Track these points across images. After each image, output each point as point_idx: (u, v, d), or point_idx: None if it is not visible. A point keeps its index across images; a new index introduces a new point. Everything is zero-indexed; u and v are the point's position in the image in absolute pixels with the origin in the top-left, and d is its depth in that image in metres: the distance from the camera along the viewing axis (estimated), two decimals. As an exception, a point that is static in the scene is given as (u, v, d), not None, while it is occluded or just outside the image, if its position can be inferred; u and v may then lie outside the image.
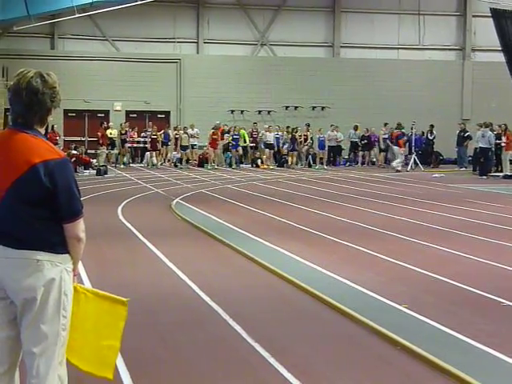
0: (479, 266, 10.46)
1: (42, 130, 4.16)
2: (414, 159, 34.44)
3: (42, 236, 4.01)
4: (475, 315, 7.71)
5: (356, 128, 37.98)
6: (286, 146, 36.35)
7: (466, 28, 41.95)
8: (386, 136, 36.80)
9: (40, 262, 3.98)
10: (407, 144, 35.75)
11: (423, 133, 38.10)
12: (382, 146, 37.29)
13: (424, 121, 37.22)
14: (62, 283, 4.03)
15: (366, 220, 15.33)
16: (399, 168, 32.84)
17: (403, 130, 34.57)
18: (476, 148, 31.14)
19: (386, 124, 37.27)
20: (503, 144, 30.44)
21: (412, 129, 34.98)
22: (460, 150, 35.70)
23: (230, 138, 35.68)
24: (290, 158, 36.06)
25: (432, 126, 37.39)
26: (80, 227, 4.09)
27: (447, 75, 40.79)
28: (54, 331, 4.02)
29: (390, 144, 35.54)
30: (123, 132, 35.91)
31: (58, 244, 4.04)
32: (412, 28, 41.42)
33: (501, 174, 29.99)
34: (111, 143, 35.56)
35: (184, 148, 35.96)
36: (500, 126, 30.91)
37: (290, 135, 36.37)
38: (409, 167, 33.50)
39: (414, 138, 35.05)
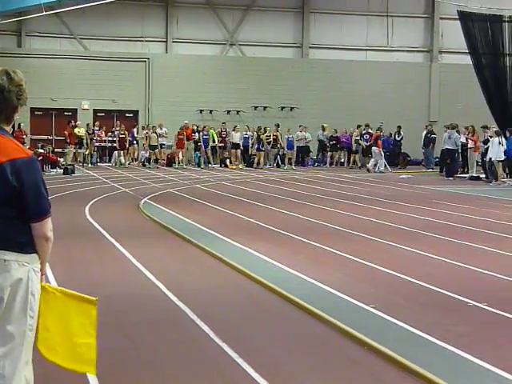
0: (446, 266, 10.52)
1: (9, 129, 4.11)
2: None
3: (9, 235, 3.96)
4: (443, 316, 7.75)
5: (324, 128, 38.13)
6: (256, 147, 36.34)
7: (434, 30, 42.26)
8: (358, 137, 36.97)
9: (7, 262, 3.94)
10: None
11: (391, 134, 38.35)
12: (354, 148, 37.42)
13: (392, 122, 37.46)
14: (30, 283, 4.00)
15: (333, 220, 15.37)
16: (382, 169, 32.96)
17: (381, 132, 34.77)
18: (443, 149, 31.36)
19: (358, 126, 37.38)
20: (470, 146, 30.65)
21: (379, 130, 35.23)
22: (427, 152, 35.97)
23: (200, 137, 35.64)
24: (256, 158, 36.00)
25: (399, 127, 37.63)
26: (48, 226, 4.05)
27: (415, 77, 41.07)
28: (20, 331, 3.98)
29: (365, 145, 35.74)
30: (90, 132, 35.71)
31: (26, 244, 4.00)
32: (380, 30, 41.65)
33: (467, 176, 30.24)
34: (79, 142, 35.33)
35: (153, 147, 35.83)
36: (467, 128, 31.15)
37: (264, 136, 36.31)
38: (376, 168, 33.66)
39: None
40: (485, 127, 29.40)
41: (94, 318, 4.24)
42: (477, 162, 30.79)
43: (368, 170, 32.89)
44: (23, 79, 4.12)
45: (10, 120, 4.11)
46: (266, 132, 36.53)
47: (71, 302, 4.21)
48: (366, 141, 37.29)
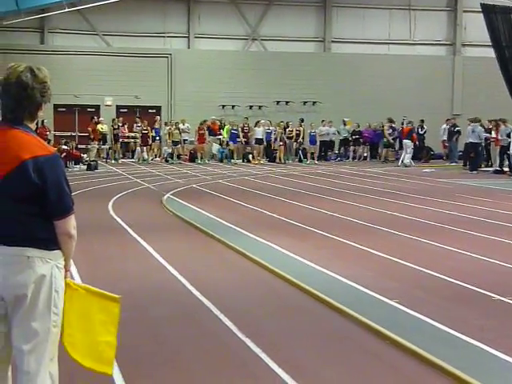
0: (470, 260, 10.47)
1: (33, 126, 4.12)
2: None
3: (33, 232, 3.98)
4: (467, 310, 7.72)
5: (345, 123, 38.02)
6: (277, 142, 36.26)
7: (457, 23, 41.97)
8: (390, 131, 36.86)
9: (31, 259, 3.96)
10: (398, 139, 36.07)
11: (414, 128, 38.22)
12: (391, 141, 37.18)
13: (414, 116, 37.19)
14: (53, 280, 4.01)
15: (356, 215, 15.33)
16: (406, 162, 32.95)
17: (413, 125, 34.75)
18: (466, 143, 31.17)
19: (390, 120, 37.13)
20: (492, 139, 30.46)
21: (403, 124, 35.12)
22: (451, 145, 35.77)
23: (226, 133, 35.74)
24: (278, 153, 35.89)
25: (422, 121, 37.40)
26: (71, 224, 4.06)
27: (438, 70, 40.82)
28: (44, 328, 4.00)
29: (400, 139, 35.69)
30: (115, 127, 35.81)
31: (49, 240, 4.01)
32: (403, 23, 41.43)
33: (491, 169, 30.05)
34: (102, 138, 35.47)
35: (175, 143, 35.88)
36: (490, 122, 30.94)
37: (281, 130, 36.21)
38: (399, 162, 33.58)
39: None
40: (504, 121, 29.20)
41: (117, 316, 4.25)
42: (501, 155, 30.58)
43: (405, 165, 32.91)
44: (48, 76, 4.10)
45: (34, 117, 4.12)
46: (288, 127, 36.47)
47: (94, 299, 4.23)
48: (389, 134, 37.26)
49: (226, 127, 36.51)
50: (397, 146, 37.19)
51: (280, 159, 35.64)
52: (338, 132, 37.93)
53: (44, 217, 3.99)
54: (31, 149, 3.95)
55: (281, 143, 35.73)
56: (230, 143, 35.93)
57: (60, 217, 4.01)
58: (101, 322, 4.22)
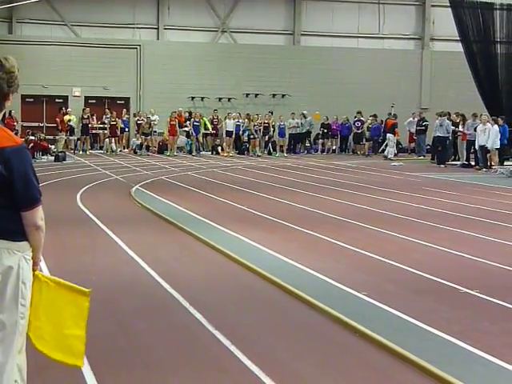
0: (438, 253, 10.55)
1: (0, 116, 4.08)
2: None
3: (0, 224, 3.95)
4: (434, 303, 7.77)
5: (305, 116, 37.87)
6: (246, 134, 36.23)
7: (425, 17, 42.21)
8: (359, 124, 37.17)
9: (-3, 250, 3.92)
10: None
11: (382, 121, 38.43)
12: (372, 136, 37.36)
13: (383, 109, 37.41)
14: (20, 271, 3.98)
15: (325, 207, 15.39)
16: (391, 156, 33.14)
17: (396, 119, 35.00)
18: (434, 137, 31.37)
19: (374, 115, 37.21)
20: (460, 133, 30.67)
21: (394, 117, 35.33)
22: (418, 139, 35.99)
23: (191, 124, 35.60)
24: (250, 146, 35.91)
25: (395, 115, 37.70)
26: (38, 215, 4.02)
27: (406, 64, 41.04)
28: (12, 320, 3.97)
29: (357, 132, 36.01)
30: (85, 117, 35.54)
31: (16, 232, 3.98)
32: (372, 17, 41.57)
33: (458, 163, 30.29)
34: (70, 129, 35.23)
35: (146, 134, 35.69)
36: (458, 115, 31.17)
37: (252, 122, 36.15)
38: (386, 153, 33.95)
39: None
40: (475, 115, 29.45)
41: (86, 309, 4.23)
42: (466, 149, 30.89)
43: (385, 157, 33.13)
44: (15, 66, 4.06)
45: (1, 107, 4.08)
46: (256, 119, 36.49)
47: (63, 293, 4.20)
48: (358, 128, 37.49)
49: (204, 119, 36.35)
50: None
51: (249, 151, 35.64)
52: (302, 124, 37.91)
53: (11, 208, 3.96)
54: (-3, 139, 3.90)
55: (256, 136, 35.57)
56: (193, 135, 35.70)
57: (27, 208, 3.98)
58: (70, 315, 4.19)
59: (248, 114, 36.61)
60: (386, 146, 34.69)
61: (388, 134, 34.38)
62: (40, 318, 4.12)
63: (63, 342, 4.18)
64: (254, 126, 35.87)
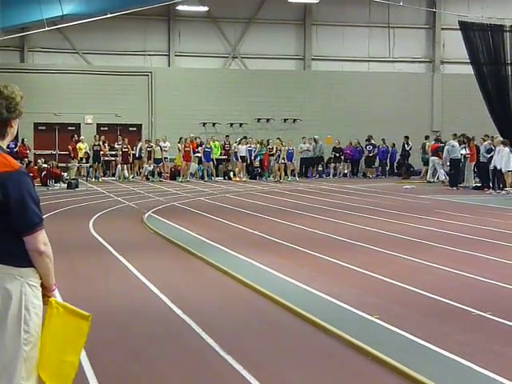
0: (450, 276, 10.53)
1: (5, 142, 4.11)
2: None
3: (1, 249, 3.96)
4: (446, 325, 7.76)
5: (316, 141, 37.87)
6: (258, 159, 36.24)
7: (435, 40, 42.31)
8: (371, 148, 37.28)
9: (-1, 276, 3.94)
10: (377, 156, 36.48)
11: (393, 144, 38.52)
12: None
13: (395, 133, 37.45)
14: (23, 297, 3.96)
15: (337, 231, 15.38)
16: (443, 178, 32.89)
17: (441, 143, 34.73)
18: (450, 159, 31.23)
19: (407, 137, 37.28)
20: (467, 156, 30.52)
21: (438, 141, 34.90)
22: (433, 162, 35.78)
23: (202, 150, 35.67)
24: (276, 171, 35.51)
25: (407, 137, 37.79)
26: (40, 240, 4.00)
27: (417, 87, 41.12)
28: (14, 346, 3.94)
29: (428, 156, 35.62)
30: (96, 144, 35.67)
31: (19, 257, 3.98)
32: (382, 41, 41.66)
33: (470, 185, 30.20)
34: (87, 157, 35.33)
35: (157, 161, 35.78)
36: (464, 137, 30.98)
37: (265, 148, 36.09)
38: (435, 178, 33.69)
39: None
40: (486, 137, 29.41)
41: (85, 334, 4.18)
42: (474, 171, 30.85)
43: (428, 182, 33.09)
44: (15, 92, 4.09)
45: (3, 134, 4.11)
46: (268, 144, 36.54)
47: (70, 318, 4.16)
48: (370, 152, 37.55)
49: (215, 143, 36.33)
50: (377, 163, 37.55)
51: (281, 177, 35.17)
52: (313, 149, 37.88)
53: (12, 232, 3.96)
54: (-6, 165, 3.94)
55: (282, 161, 35.20)
56: (204, 161, 35.67)
57: (27, 233, 3.97)
58: (71, 341, 4.15)
59: (262, 141, 36.64)
60: (433, 170, 34.27)
61: (432, 157, 33.98)
62: (45, 345, 4.10)
63: (59, 368, 4.12)
64: (270, 150, 35.86)
